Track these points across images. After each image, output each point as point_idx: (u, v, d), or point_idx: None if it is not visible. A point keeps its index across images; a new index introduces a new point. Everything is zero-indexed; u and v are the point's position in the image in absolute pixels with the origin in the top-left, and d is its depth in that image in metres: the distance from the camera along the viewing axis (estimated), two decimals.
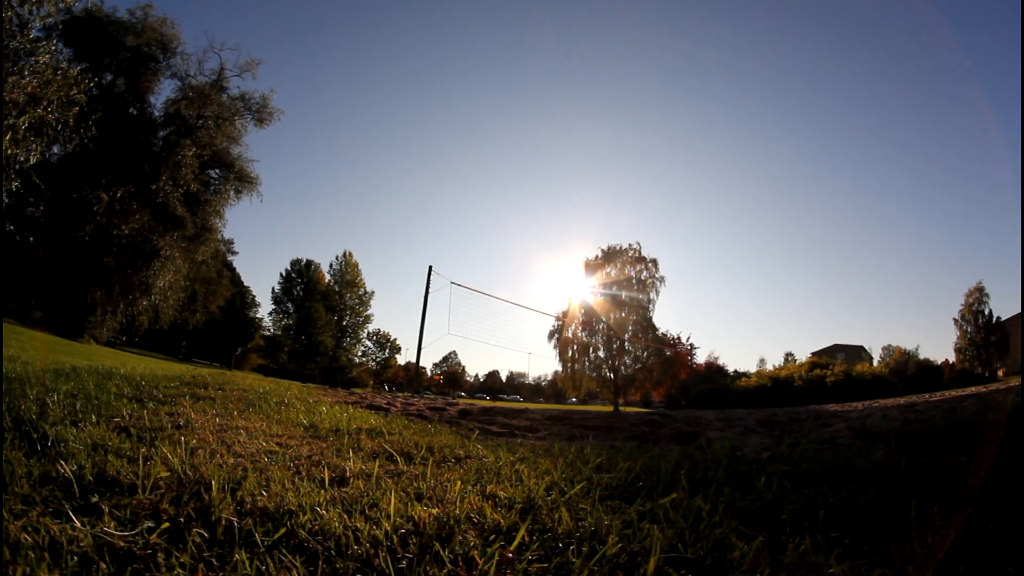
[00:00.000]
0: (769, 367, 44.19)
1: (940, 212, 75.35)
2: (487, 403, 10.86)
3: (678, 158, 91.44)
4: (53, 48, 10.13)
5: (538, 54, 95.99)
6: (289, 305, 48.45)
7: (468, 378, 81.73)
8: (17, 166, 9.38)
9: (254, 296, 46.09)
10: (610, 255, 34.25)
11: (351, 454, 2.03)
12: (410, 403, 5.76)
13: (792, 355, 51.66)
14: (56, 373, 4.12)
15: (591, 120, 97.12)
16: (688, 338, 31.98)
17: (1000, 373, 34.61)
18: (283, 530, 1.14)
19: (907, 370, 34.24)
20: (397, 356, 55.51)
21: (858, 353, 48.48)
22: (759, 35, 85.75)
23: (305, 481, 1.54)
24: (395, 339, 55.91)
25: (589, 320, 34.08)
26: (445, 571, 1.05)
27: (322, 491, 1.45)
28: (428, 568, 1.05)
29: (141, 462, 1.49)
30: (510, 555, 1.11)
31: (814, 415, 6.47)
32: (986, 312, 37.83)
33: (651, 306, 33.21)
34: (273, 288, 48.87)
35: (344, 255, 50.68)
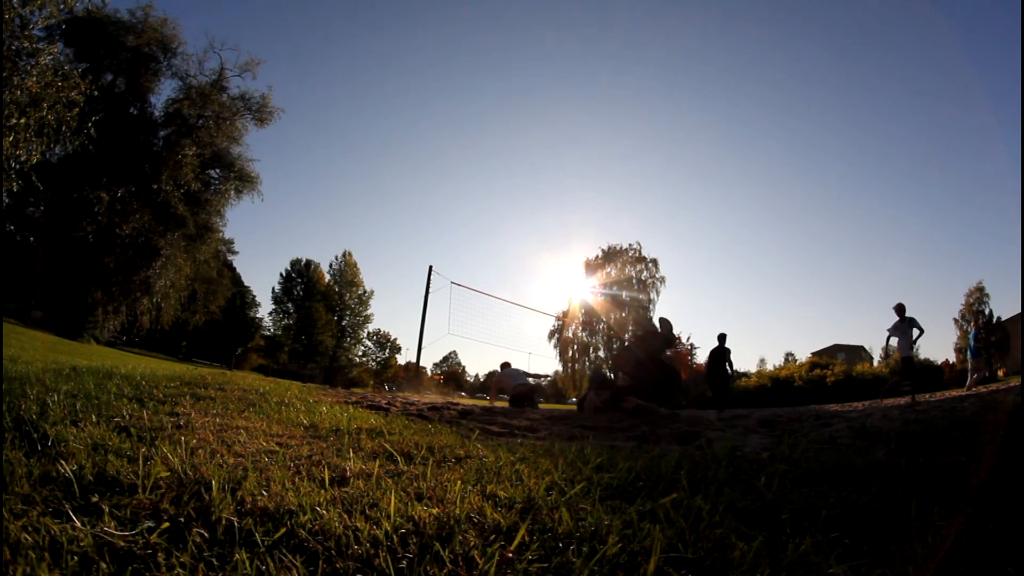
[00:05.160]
0: (769, 367, 44.02)
1: (940, 212, 75.08)
2: (487, 403, 10.86)
3: (679, 158, 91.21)
4: (55, 50, 10.16)
5: (538, 53, 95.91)
6: (289, 305, 48.48)
7: (468, 378, 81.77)
8: (18, 166, 9.39)
9: (254, 296, 46.22)
10: (610, 255, 34.34)
11: (351, 454, 2.03)
12: (410, 403, 5.75)
13: (792, 355, 51.45)
14: (56, 373, 4.12)
15: (591, 120, 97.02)
16: (688, 338, 32.05)
17: (1000, 373, 34.56)
18: (283, 530, 1.14)
19: None
20: (397, 356, 55.55)
21: (858, 353, 48.34)
22: (759, 35, 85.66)
23: (305, 481, 1.54)
24: (395, 339, 55.97)
25: (589, 320, 34.11)
26: (445, 571, 1.05)
27: (322, 491, 1.45)
28: (428, 568, 1.05)
29: (141, 462, 1.49)
30: (510, 555, 1.11)
31: (814, 415, 6.46)
32: (986, 312, 37.81)
33: (651, 306, 33.35)
34: (273, 288, 48.93)
35: (344, 255, 50.71)
